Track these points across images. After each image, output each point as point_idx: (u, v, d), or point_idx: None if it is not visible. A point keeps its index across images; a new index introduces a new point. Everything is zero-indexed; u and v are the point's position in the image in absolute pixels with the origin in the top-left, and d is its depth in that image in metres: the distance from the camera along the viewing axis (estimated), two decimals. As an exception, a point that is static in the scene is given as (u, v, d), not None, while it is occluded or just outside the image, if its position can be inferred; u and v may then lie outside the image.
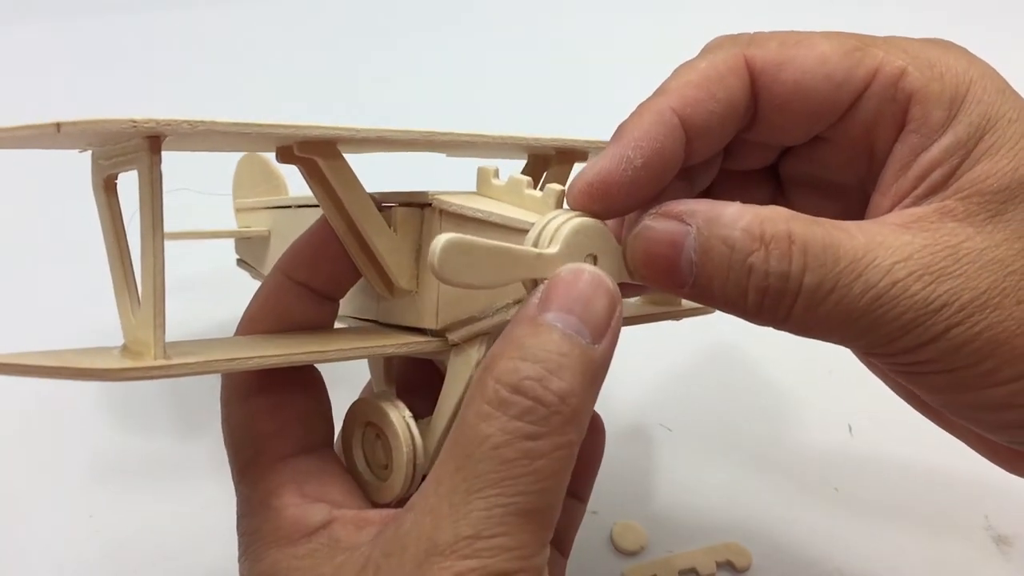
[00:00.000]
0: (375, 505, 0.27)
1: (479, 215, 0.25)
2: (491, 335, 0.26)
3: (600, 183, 0.24)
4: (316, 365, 0.29)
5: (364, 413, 0.28)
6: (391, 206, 0.28)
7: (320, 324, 0.29)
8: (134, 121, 0.21)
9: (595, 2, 0.76)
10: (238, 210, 0.45)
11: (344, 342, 0.26)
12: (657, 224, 0.24)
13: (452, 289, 0.26)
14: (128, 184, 0.24)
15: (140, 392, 0.46)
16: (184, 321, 0.48)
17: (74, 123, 0.21)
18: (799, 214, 0.23)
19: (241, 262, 0.44)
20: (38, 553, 0.40)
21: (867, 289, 0.22)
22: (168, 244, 0.23)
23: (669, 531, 0.41)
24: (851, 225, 0.23)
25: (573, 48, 0.72)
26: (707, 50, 0.27)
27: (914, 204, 0.24)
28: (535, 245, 0.23)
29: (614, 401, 0.46)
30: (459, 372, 0.27)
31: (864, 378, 0.48)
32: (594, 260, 0.24)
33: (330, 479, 0.27)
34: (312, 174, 0.26)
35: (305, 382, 0.28)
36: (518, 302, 0.24)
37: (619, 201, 0.24)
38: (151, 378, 0.21)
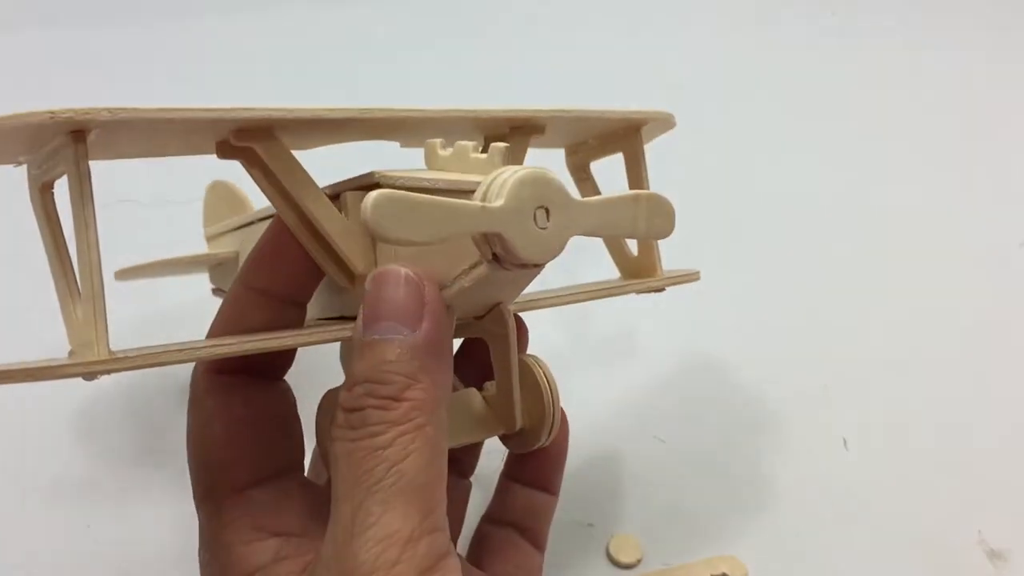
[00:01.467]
0: None
1: (425, 183, 0.24)
2: (455, 304, 0.25)
3: None
4: (289, 386, 0.29)
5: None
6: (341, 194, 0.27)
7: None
8: (52, 113, 0.20)
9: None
10: (209, 239, 0.44)
11: (301, 330, 0.25)
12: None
13: (408, 259, 0.25)
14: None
15: (103, 413, 0.45)
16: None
17: None
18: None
19: (217, 291, 0.43)
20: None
21: None
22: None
23: (665, 544, 0.41)
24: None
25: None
26: None
27: None
28: (482, 200, 0.22)
29: (609, 414, 0.46)
30: None
31: (858, 393, 0.48)
32: (546, 213, 0.22)
33: (289, 506, 0.27)
34: (254, 164, 0.25)
35: (271, 406, 0.28)
36: (475, 266, 0.23)
37: None
38: (93, 373, 0.21)
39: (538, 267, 0.24)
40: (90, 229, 0.21)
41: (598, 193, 0.34)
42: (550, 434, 0.29)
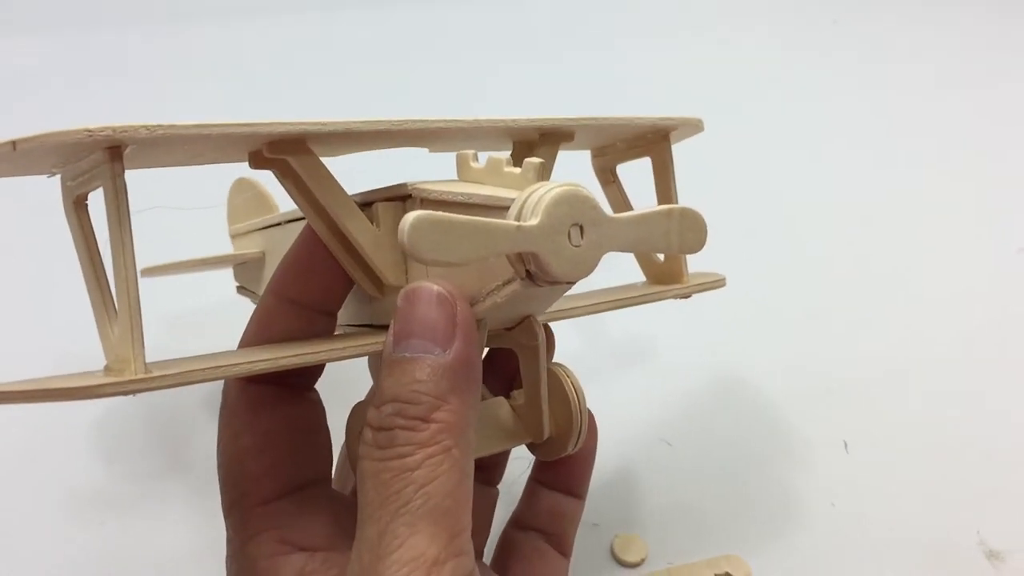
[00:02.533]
0: None
1: (459, 198, 0.24)
2: (484, 320, 0.25)
3: None
4: (319, 396, 0.29)
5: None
6: (372, 204, 0.27)
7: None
8: (89, 131, 0.20)
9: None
10: (233, 236, 0.43)
11: (334, 343, 0.25)
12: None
13: (441, 273, 0.25)
14: (100, 207, 0.23)
15: (125, 420, 0.44)
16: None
17: (29, 139, 0.20)
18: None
19: (241, 289, 0.43)
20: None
21: None
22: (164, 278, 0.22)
23: (669, 543, 0.41)
24: None
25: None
26: None
27: None
28: (517, 219, 0.22)
29: (616, 417, 0.45)
30: None
31: (859, 396, 0.48)
32: (580, 231, 0.22)
33: (315, 519, 0.27)
34: (286, 176, 0.25)
35: (301, 417, 0.28)
36: (508, 283, 0.23)
37: None
38: (131, 392, 0.20)
39: (571, 283, 0.23)
40: (127, 248, 0.21)
41: (624, 195, 0.34)
42: (577, 443, 0.29)
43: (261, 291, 0.38)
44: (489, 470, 0.33)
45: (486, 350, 0.32)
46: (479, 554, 0.32)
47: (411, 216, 0.20)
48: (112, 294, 0.23)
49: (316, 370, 0.29)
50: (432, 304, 0.23)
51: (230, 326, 0.29)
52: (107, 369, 0.23)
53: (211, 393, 0.43)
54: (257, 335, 0.27)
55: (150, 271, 0.41)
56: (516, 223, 0.21)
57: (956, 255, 0.56)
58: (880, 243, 0.57)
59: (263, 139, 0.24)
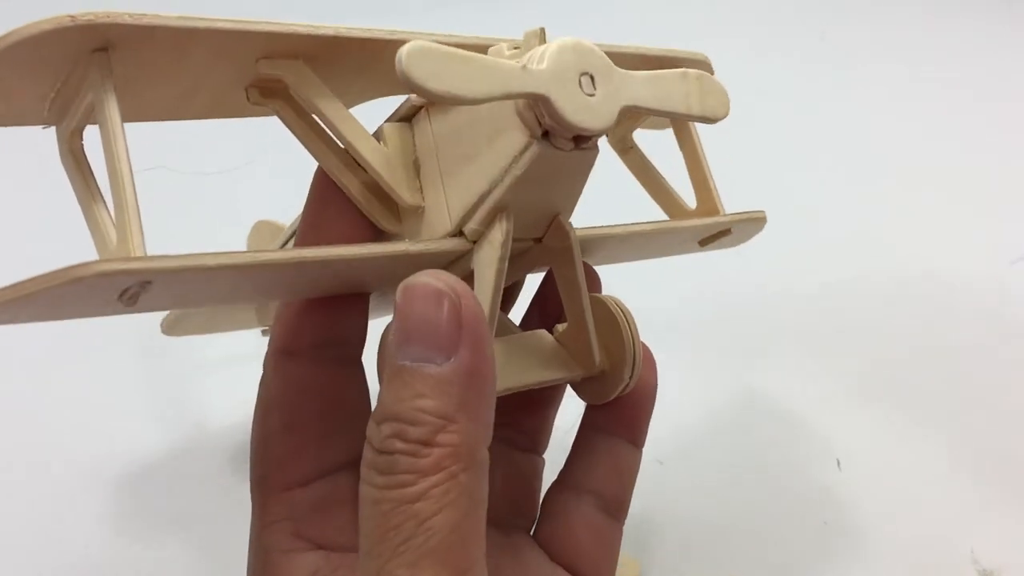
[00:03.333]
0: None
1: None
2: (509, 208, 0.23)
3: None
4: (363, 371, 0.26)
5: None
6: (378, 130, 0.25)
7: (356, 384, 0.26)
8: (72, 16, 0.19)
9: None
10: None
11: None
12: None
13: (455, 175, 0.23)
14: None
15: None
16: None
17: (8, 35, 0.19)
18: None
19: (266, 332, 0.40)
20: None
21: None
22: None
23: (662, 564, 0.40)
24: None
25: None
26: None
27: None
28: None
29: None
30: (486, 261, 0.23)
31: (852, 412, 0.47)
32: (591, 80, 0.21)
33: (337, 513, 0.25)
34: (286, 106, 0.24)
35: (340, 394, 0.25)
36: (525, 149, 0.21)
37: None
38: (132, 271, 0.18)
39: (591, 150, 0.22)
40: (119, 141, 0.19)
41: (647, 161, 0.32)
42: (633, 373, 0.26)
43: None
44: (532, 436, 0.30)
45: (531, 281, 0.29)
46: (527, 531, 0.29)
47: (408, 44, 0.18)
48: (111, 215, 0.20)
49: (358, 339, 0.26)
50: (431, 302, 0.20)
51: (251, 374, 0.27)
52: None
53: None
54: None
55: (171, 328, 0.38)
56: (521, 64, 0.20)
57: (949, 267, 0.57)
58: (872, 256, 0.58)
59: (258, 52, 0.22)
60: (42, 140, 0.25)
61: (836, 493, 0.43)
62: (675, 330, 0.38)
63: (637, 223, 0.28)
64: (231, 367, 0.46)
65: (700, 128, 0.31)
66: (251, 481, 0.25)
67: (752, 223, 0.31)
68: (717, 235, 0.31)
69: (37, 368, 0.46)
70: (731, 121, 0.24)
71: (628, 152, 0.32)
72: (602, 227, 0.27)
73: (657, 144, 0.33)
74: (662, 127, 0.34)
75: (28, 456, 0.42)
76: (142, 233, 0.19)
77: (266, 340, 0.39)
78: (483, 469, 0.21)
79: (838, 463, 0.45)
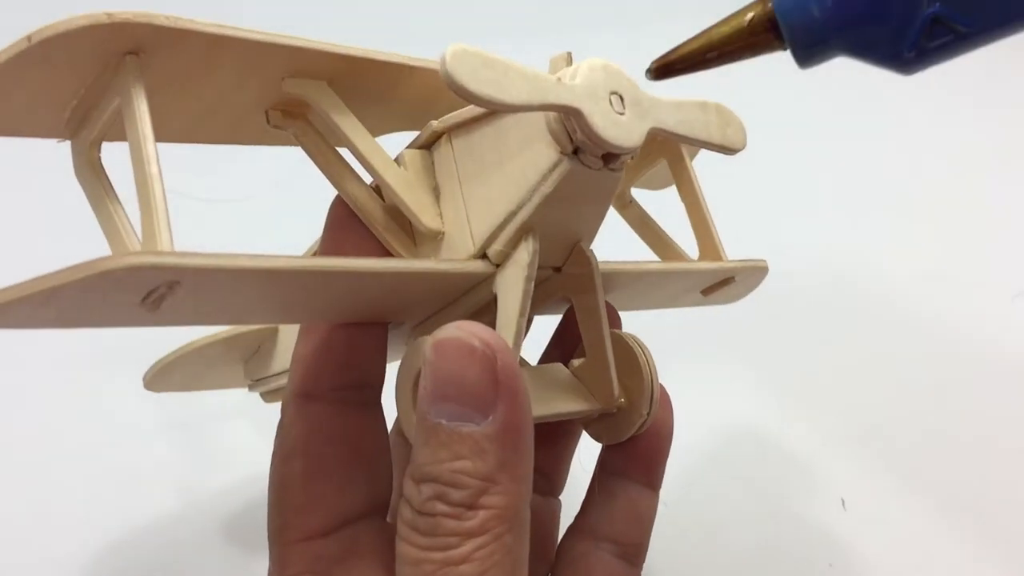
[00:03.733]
0: None
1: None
2: (536, 228, 0.22)
3: None
4: (383, 413, 0.26)
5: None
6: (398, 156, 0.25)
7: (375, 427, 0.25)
8: (109, 13, 0.19)
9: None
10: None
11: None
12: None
13: (479, 197, 0.23)
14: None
15: None
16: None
17: (45, 29, 0.19)
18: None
19: (254, 384, 0.38)
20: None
21: None
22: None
23: None
24: None
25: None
26: None
27: None
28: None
29: None
30: (511, 282, 0.23)
31: (857, 450, 0.47)
32: (621, 100, 0.21)
33: (360, 564, 0.24)
34: (306, 131, 0.24)
35: (361, 439, 0.25)
36: (555, 167, 0.21)
37: None
38: (164, 266, 0.17)
39: (618, 171, 0.22)
40: (148, 141, 0.19)
41: (646, 214, 0.33)
42: (651, 409, 0.26)
43: (274, 369, 0.35)
44: (550, 477, 0.29)
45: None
46: None
47: (451, 46, 0.18)
48: (131, 223, 0.20)
49: (379, 380, 0.26)
50: (466, 359, 0.20)
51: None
52: None
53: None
54: (308, 343, 0.25)
55: (154, 383, 0.37)
56: (556, 77, 0.21)
57: (951, 304, 0.57)
58: (872, 294, 0.57)
59: (286, 65, 0.22)
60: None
61: (841, 534, 0.42)
62: (675, 366, 0.38)
63: (648, 262, 0.28)
64: (220, 422, 0.45)
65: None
66: (269, 531, 0.24)
67: (754, 272, 0.31)
68: (720, 284, 0.31)
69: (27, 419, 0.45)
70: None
71: (627, 207, 0.33)
72: (615, 263, 0.26)
73: (656, 200, 0.34)
74: (659, 187, 0.34)
75: (16, 516, 0.41)
76: (171, 233, 0.19)
77: (254, 396, 0.39)
78: (525, 528, 0.20)
79: (843, 503, 0.44)
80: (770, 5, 0.18)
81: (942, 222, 0.64)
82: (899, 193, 0.66)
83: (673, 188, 0.32)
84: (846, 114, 0.73)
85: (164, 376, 0.36)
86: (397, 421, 0.27)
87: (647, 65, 0.21)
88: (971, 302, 0.57)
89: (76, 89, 0.21)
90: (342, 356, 0.24)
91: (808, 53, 0.18)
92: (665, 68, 0.20)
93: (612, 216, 0.32)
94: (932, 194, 0.66)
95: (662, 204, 0.34)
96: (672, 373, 0.31)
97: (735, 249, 0.31)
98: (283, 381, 0.32)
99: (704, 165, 0.33)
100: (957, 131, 0.72)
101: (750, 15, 0.18)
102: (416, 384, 0.21)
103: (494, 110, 0.22)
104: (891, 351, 0.53)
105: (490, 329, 0.20)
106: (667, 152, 0.31)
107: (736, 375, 0.50)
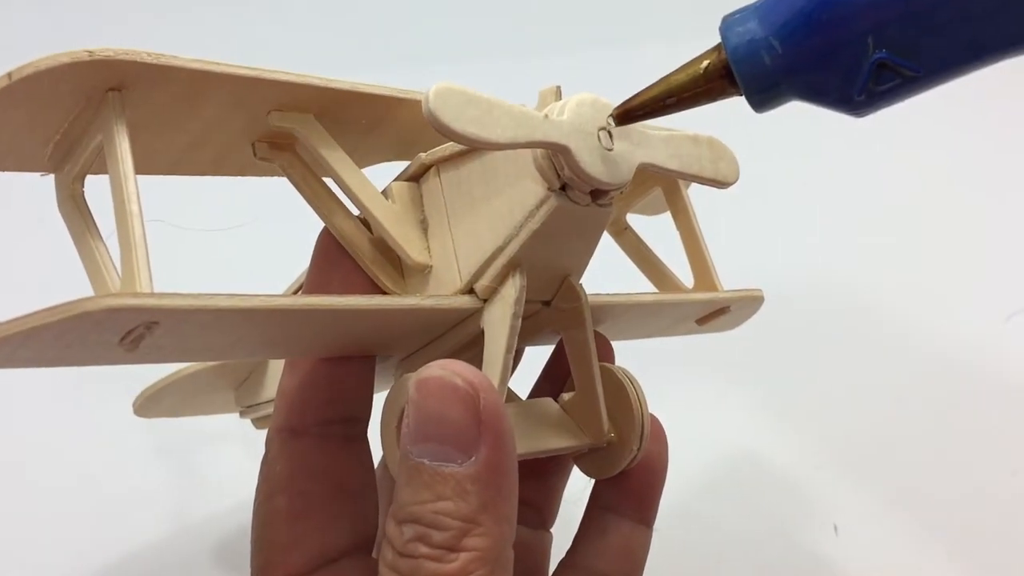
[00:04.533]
0: None
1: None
2: (523, 264, 0.22)
3: None
4: (368, 448, 0.25)
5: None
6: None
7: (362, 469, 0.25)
8: (90, 51, 0.18)
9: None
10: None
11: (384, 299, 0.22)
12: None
13: (466, 232, 0.23)
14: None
15: None
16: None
17: (24, 67, 0.18)
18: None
19: (245, 411, 0.37)
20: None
21: None
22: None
23: None
24: None
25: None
26: None
27: None
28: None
29: None
30: (498, 318, 0.22)
31: (850, 475, 0.46)
32: (609, 136, 0.21)
33: None
34: (293, 164, 0.24)
35: (346, 475, 0.24)
36: (542, 203, 0.21)
37: None
38: (143, 307, 0.17)
39: (607, 207, 0.22)
40: (129, 180, 0.19)
41: (641, 240, 0.32)
42: (641, 442, 0.25)
43: (264, 396, 0.34)
44: (540, 511, 0.29)
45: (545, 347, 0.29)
46: None
47: (435, 85, 0.18)
48: (112, 259, 0.20)
49: (365, 415, 0.25)
50: (448, 399, 0.19)
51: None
52: None
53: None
54: (295, 377, 0.24)
55: (143, 409, 0.37)
56: (543, 113, 0.20)
57: (944, 325, 0.56)
58: (864, 315, 0.57)
59: (272, 99, 0.22)
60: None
61: (834, 560, 0.42)
62: (666, 390, 0.38)
63: (640, 293, 0.28)
64: (210, 446, 0.45)
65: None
66: (252, 568, 0.24)
67: (749, 302, 0.31)
68: (715, 314, 0.31)
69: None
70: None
71: (622, 234, 0.32)
72: (606, 295, 0.26)
73: (651, 227, 0.33)
74: (655, 213, 0.34)
75: (3, 541, 0.40)
76: (150, 273, 0.18)
77: (245, 422, 0.38)
78: (508, 569, 0.20)
79: (835, 528, 0.44)
80: (724, 54, 0.18)
81: (935, 244, 0.63)
82: (892, 215, 0.66)
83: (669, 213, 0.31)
84: (837, 137, 0.73)
85: (154, 402, 0.36)
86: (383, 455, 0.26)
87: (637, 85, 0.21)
88: (965, 324, 0.56)
89: (59, 124, 0.21)
90: (327, 391, 0.24)
91: (762, 99, 0.19)
92: (625, 114, 0.20)
93: (608, 242, 0.32)
94: (925, 216, 0.66)
95: (659, 228, 0.33)
96: (663, 396, 0.31)
97: (728, 269, 0.31)
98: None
99: (698, 187, 0.33)
100: (949, 152, 0.72)
101: (705, 63, 0.19)
102: (400, 422, 0.21)
103: (480, 148, 0.21)
104: (885, 375, 0.53)
105: (474, 368, 0.20)
106: (662, 180, 0.31)
107: (728, 399, 0.50)
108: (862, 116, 0.19)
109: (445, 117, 0.18)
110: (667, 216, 0.32)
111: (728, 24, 0.18)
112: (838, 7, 0.17)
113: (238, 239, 0.42)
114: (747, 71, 0.18)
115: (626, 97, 0.20)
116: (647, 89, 0.20)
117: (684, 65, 0.19)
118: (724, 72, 0.19)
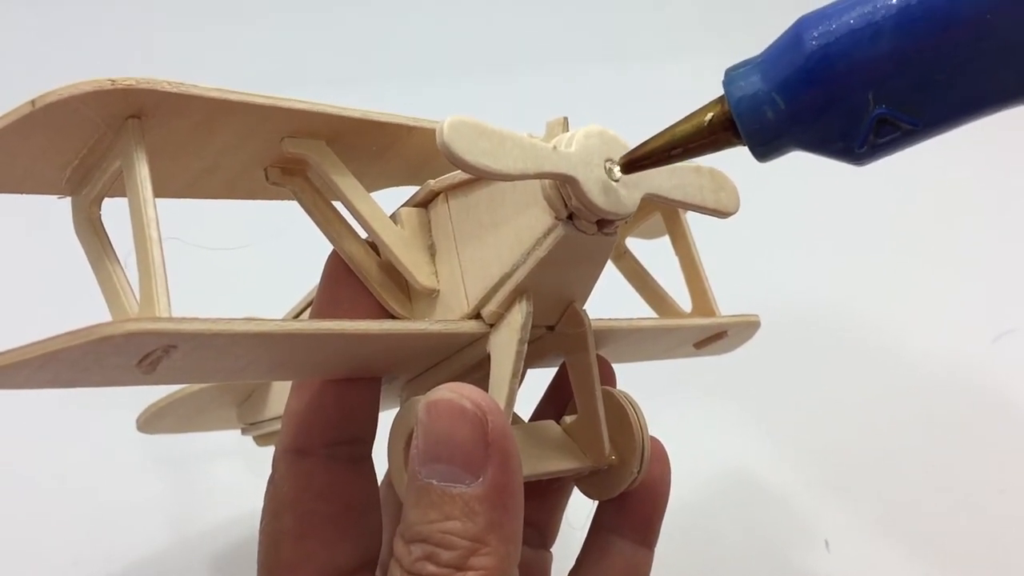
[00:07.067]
0: None
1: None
2: (530, 290, 0.22)
3: None
4: (373, 467, 0.25)
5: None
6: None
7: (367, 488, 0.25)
8: (112, 80, 0.19)
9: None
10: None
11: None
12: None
13: (474, 258, 0.23)
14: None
15: None
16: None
17: (49, 94, 0.19)
18: None
19: (247, 428, 0.37)
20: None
21: None
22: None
23: None
24: None
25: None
26: None
27: None
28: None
29: None
30: (504, 343, 0.23)
31: (840, 493, 0.46)
32: (615, 167, 0.21)
33: None
34: (304, 188, 0.24)
35: (352, 494, 0.25)
36: (549, 232, 0.21)
37: None
38: (162, 332, 0.17)
39: (612, 235, 0.22)
40: (148, 206, 0.19)
41: (640, 265, 0.33)
42: (642, 464, 0.26)
43: (267, 415, 0.34)
44: (541, 530, 0.29)
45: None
46: None
47: (449, 117, 0.19)
48: (130, 283, 0.20)
49: (370, 435, 0.26)
50: (457, 421, 0.20)
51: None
52: None
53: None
54: (301, 400, 0.25)
55: (147, 425, 0.37)
56: (552, 144, 0.21)
57: (932, 345, 0.57)
58: (853, 335, 0.57)
59: (285, 126, 0.22)
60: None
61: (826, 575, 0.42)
62: (660, 408, 0.38)
63: (641, 319, 0.28)
64: (213, 460, 0.45)
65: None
66: None
67: (747, 327, 0.32)
68: (713, 338, 0.31)
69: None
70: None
71: (621, 258, 0.33)
72: (608, 320, 0.26)
73: (650, 247, 0.34)
74: (653, 236, 0.34)
75: (5, 553, 0.40)
76: (169, 297, 0.19)
77: (247, 439, 0.38)
78: None
79: (827, 544, 0.44)
80: (727, 107, 0.19)
81: (924, 266, 0.64)
82: (881, 238, 0.66)
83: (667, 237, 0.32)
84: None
85: (157, 419, 0.36)
86: (387, 474, 0.27)
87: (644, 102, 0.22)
88: (954, 344, 0.57)
89: (78, 150, 0.21)
90: (334, 412, 0.24)
91: (765, 150, 0.19)
92: (631, 164, 0.21)
93: (607, 266, 0.32)
94: (913, 238, 0.66)
95: (656, 251, 0.34)
96: (654, 415, 0.31)
97: (724, 289, 0.31)
98: (276, 426, 0.31)
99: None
100: (937, 175, 0.73)
101: (710, 115, 0.19)
102: (408, 444, 0.21)
103: (491, 179, 0.22)
104: (875, 395, 0.53)
105: (482, 391, 0.20)
106: (662, 206, 0.31)
107: (719, 418, 0.50)
108: (863, 165, 0.19)
109: (459, 149, 0.19)
110: (664, 240, 0.32)
111: (731, 78, 0.19)
112: (839, 64, 0.17)
113: (244, 257, 0.43)
114: (750, 125, 0.19)
115: (625, 123, 0.21)
116: (652, 139, 0.20)
117: (688, 116, 0.20)
118: (728, 124, 0.19)
